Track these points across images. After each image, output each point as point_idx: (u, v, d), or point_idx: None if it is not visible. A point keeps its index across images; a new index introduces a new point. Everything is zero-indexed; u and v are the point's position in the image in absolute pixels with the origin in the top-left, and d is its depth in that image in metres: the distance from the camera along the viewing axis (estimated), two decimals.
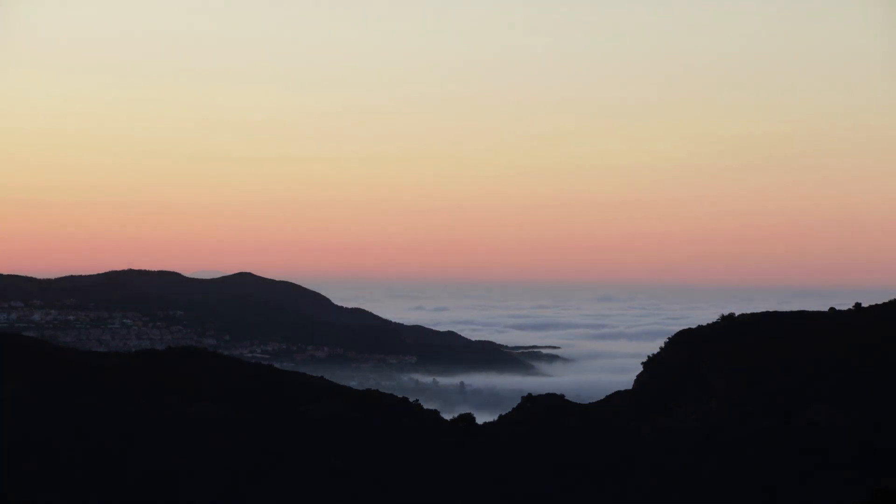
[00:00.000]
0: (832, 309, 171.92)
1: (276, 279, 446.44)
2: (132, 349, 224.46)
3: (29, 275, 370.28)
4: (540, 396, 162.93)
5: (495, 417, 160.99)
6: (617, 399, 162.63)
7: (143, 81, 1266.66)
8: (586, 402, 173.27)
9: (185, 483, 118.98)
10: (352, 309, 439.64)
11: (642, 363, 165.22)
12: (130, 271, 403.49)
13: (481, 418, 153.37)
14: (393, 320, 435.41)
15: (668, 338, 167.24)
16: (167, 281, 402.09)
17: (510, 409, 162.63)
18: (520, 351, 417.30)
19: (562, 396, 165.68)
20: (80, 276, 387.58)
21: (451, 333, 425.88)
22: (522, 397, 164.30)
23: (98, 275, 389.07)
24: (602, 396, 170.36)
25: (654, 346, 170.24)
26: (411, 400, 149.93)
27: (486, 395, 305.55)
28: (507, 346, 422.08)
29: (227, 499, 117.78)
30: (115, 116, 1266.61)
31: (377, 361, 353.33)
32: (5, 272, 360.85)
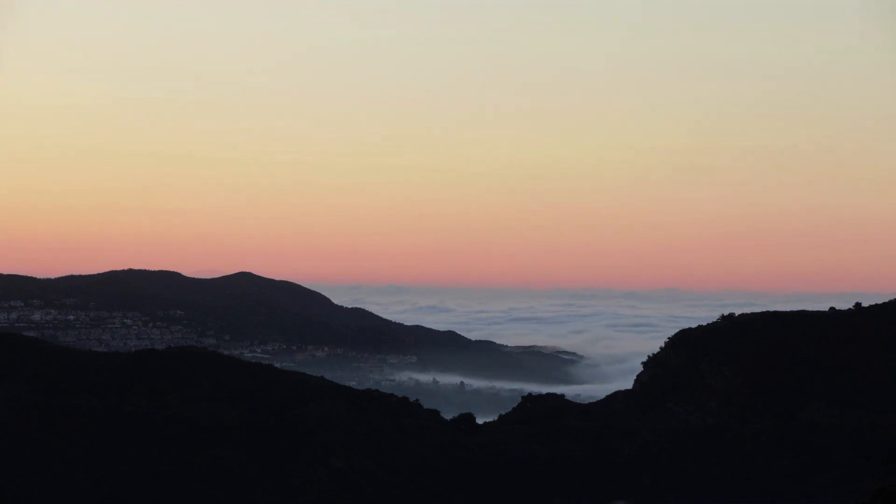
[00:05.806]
0: (832, 309, 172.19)
1: (276, 279, 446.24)
2: (132, 349, 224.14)
3: (29, 275, 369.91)
4: (540, 396, 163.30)
5: (495, 417, 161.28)
6: (617, 399, 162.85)
7: (143, 82, 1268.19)
8: (586, 402, 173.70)
9: (185, 483, 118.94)
10: (352, 309, 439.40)
11: (642, 363, 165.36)
12: (130, 271, 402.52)
13: (481, 418, 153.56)
14: (393, 320, 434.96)
15: (669, 338, 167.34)
16: (167, 281, 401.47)
17: (510, 409, 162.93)
18: (520, 351, 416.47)
19: (562, 396, 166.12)
20: (80, 276, 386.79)
21: (451, 333, 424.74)
22: (522, 397, 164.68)
23: (98, 275, 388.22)
24: (602, 396, 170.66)
25: (655, 346, 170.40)
26: (411, 400, 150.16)
27: (486, 395, 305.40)
28: (507, 346, 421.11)
29: (228, 499, 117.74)
30: (114, 116, 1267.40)
31: (377, 361, 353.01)
32: (5, 272, 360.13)
